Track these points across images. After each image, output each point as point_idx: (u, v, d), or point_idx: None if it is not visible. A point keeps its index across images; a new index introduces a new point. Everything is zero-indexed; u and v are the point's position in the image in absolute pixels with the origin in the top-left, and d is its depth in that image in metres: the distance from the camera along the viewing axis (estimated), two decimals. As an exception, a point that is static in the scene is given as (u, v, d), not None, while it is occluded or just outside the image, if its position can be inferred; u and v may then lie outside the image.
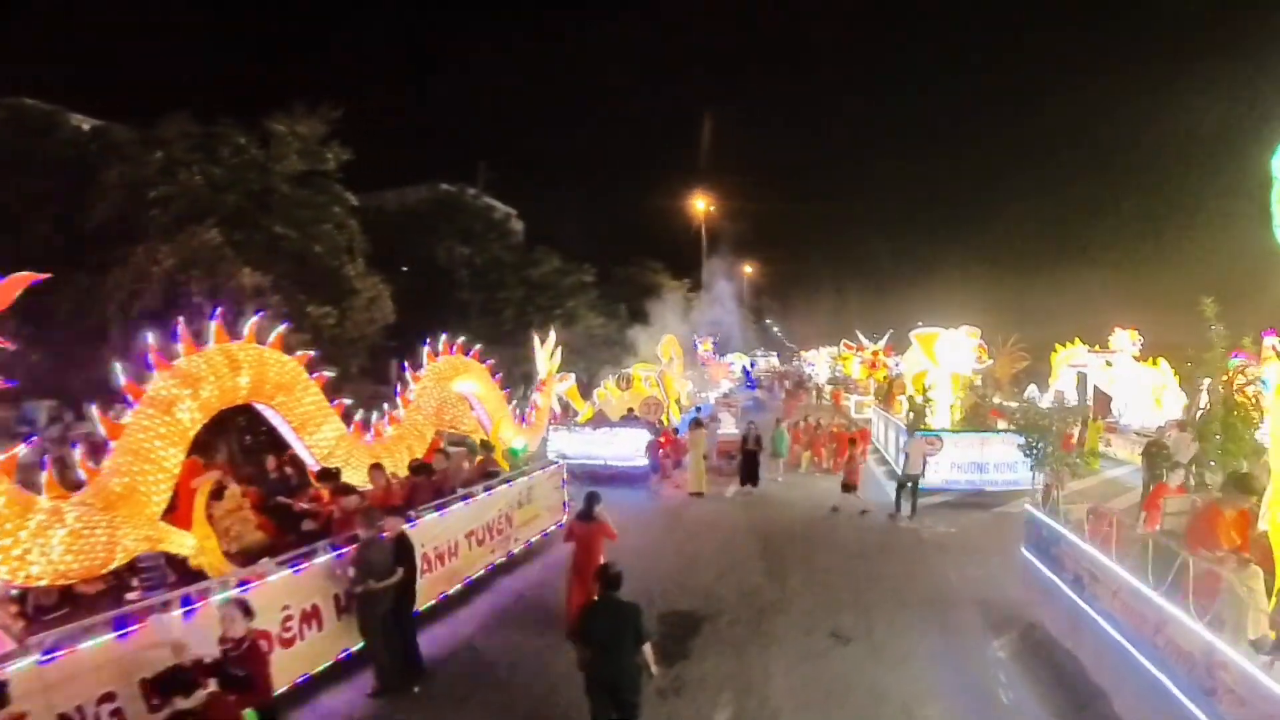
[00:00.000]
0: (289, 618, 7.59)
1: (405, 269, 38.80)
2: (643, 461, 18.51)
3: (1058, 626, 8.10)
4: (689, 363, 36.46)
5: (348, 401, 11.09)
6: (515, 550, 11.76)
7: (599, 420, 20.58)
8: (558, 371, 17.95)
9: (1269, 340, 22.01)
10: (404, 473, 10.78)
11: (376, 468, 9.45)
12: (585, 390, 24.60)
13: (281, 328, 10.27)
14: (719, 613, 9.72)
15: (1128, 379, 23.76)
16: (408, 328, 27.29)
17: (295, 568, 7.76)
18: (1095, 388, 25.32)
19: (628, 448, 18.65)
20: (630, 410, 21.39)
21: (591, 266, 44.49)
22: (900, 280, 77.86)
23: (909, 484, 15.18)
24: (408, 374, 12.31)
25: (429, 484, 9.80)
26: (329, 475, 9.93)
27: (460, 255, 38.92)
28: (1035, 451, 11.10)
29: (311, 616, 7.88)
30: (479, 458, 12.06)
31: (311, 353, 10.78)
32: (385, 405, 12.14)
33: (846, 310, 71.96)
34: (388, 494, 9.20)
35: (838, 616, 9.62)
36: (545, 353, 16.73)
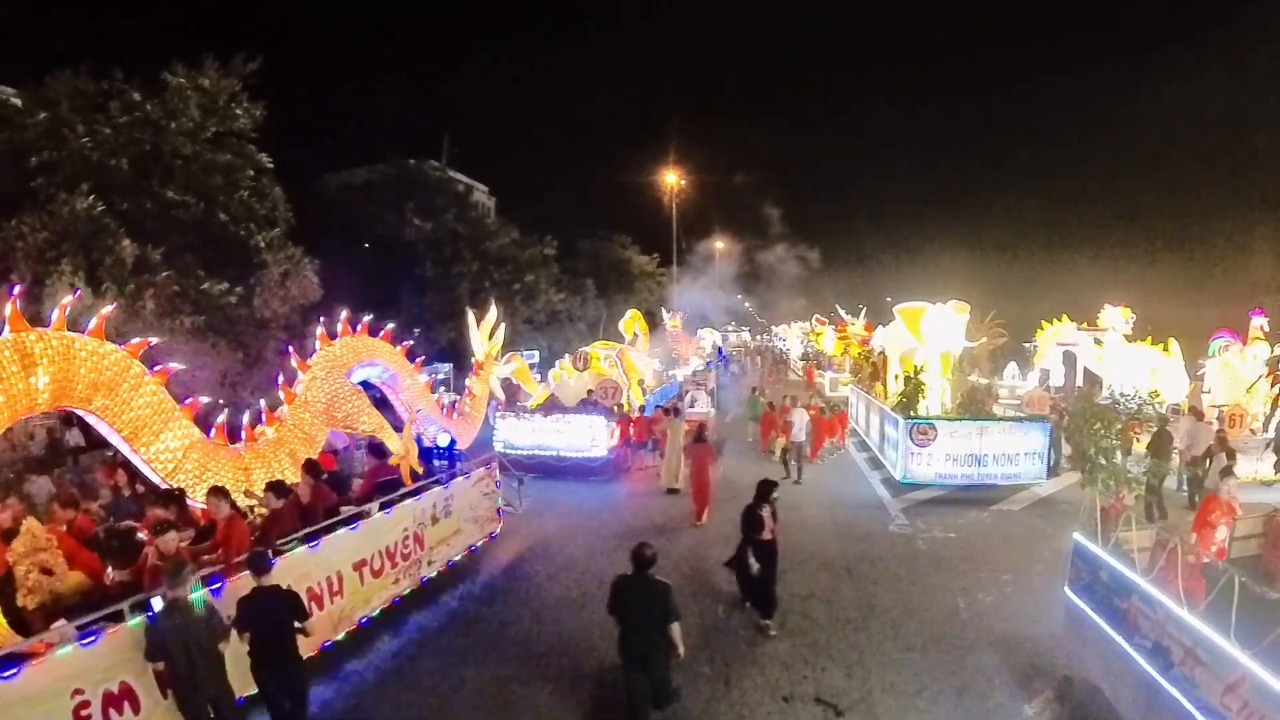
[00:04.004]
0: (84, 704, 5.38)
1: (366, 245, 36.68)
2: (600, 452, 16.38)
3: (1127, 707, 6.06)
4: (656, 339, 34.27)
5: (204, 399, 8.83)
6: (430, 575, 9.53)
7: (553, 406, 18.30)
8: (500, 353, 15.70)
9: (1257, 320, 20.56)
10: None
11: (216, 493, 7.14)
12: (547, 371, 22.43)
13: (107, 309, 7.94)
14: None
15: (1120, 359, 22.04)
16: (364, 305, 25.14)
17: (91, 634, 5.57)
18: (1085, 369, 23.63)
19: (583, 436, 16.48)
20: (590, 393, 19.18)
21: (554, 240, 42.30)
22: (871, 254, 75.97)
23: (791, 452, 16.29)
24: (293, 361, 9.98)
25: (291, 507, 7.52)
26: (170, 498, 7.72)
27: (420, 230, 36.81)
28: (1091, 461, 8.65)
29: (121, 698, 5.66)
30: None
31: (152, 339, 8.44)
32: (262, 402, 9.81)
33: (819, 284, 70.00)
34: (231, 526, 6.91)
35: (824, 671, 7.57)
36: (482, 332, 14.44)
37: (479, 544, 10.75)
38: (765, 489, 8.73)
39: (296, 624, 6.12)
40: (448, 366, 27.08)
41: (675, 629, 6.20)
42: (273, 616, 6.02)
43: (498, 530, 11.35)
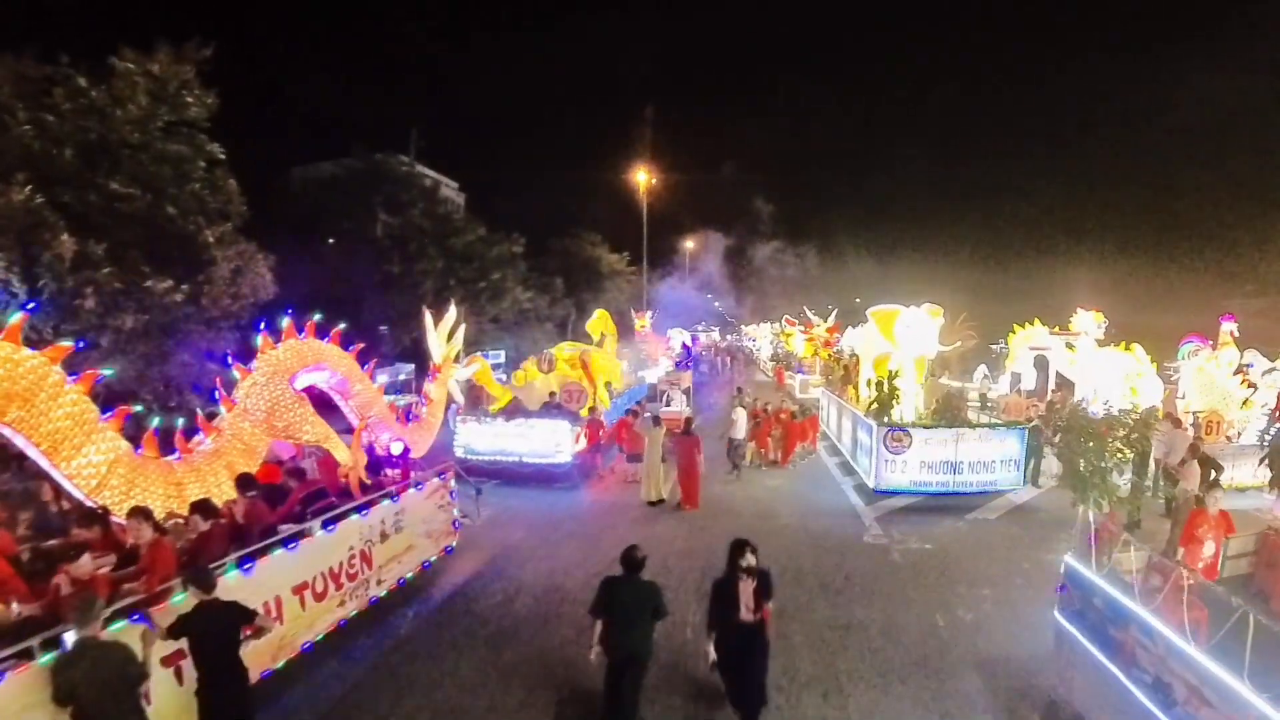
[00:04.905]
0: (-15, 754, 4.78)
1: (330, 240, 35.73)
2: (564, 458, 15.83)
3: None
4: (625, 339, 33.71)
5: (135, 408, 8.15)
6: (380, 595, 8.93)
7: (516, 409, 17.67)
8: (461, 355, 15.08)
9: (1226, 325, 20.61)
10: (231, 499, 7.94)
11: (137, 514, 6.48)
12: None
13: (18, 314, 7.26)
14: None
15: (1092, 364, 21.94)
16: (325, 304, 24.41)
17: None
18: (1058, 374, 23.54)
19: (546, 441, 15.91)
20: (552, 394, 18.53)
21: (522, 237, 41.64)
22: (844, 255, 75.93)
23: (735, 447, 16.96)
24: (233, 368, 9.31)
25: (220, 529, 6.89)
26: (93, 518, 7.05)
27: (388, 226, 35.98)
28: (1084, 479, 8.02)
29: (28, 744, 5.04)
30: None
31: (70, 343, 7.76)
32: (199, 411, 9.13)
33: (791, 285, 70.08)
34: (155, 551, 6.28)
35: (800, 698, 7.12)
36: (440, 333, 13.78)
37: (433, 559, 10.15)
38: (739, 550, 6.54)
39: (249, 628, 5.67)
40: (409, 368, 26.39)
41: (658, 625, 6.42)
42: (219, 630, 5.53)
43: (454, 544, 10.75)
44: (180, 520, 7.39)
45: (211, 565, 6.54)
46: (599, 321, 26.24)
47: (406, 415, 13.09)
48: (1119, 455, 8.56)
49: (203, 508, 6.84)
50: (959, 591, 9.86)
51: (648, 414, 16.22)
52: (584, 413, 17.71)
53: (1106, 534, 6.14)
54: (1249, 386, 17.47)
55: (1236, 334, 20.44)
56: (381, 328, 34.10)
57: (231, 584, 6.66)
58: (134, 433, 8.49)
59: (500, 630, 8.64)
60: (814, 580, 10.24)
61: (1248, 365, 19.47)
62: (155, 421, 8.53)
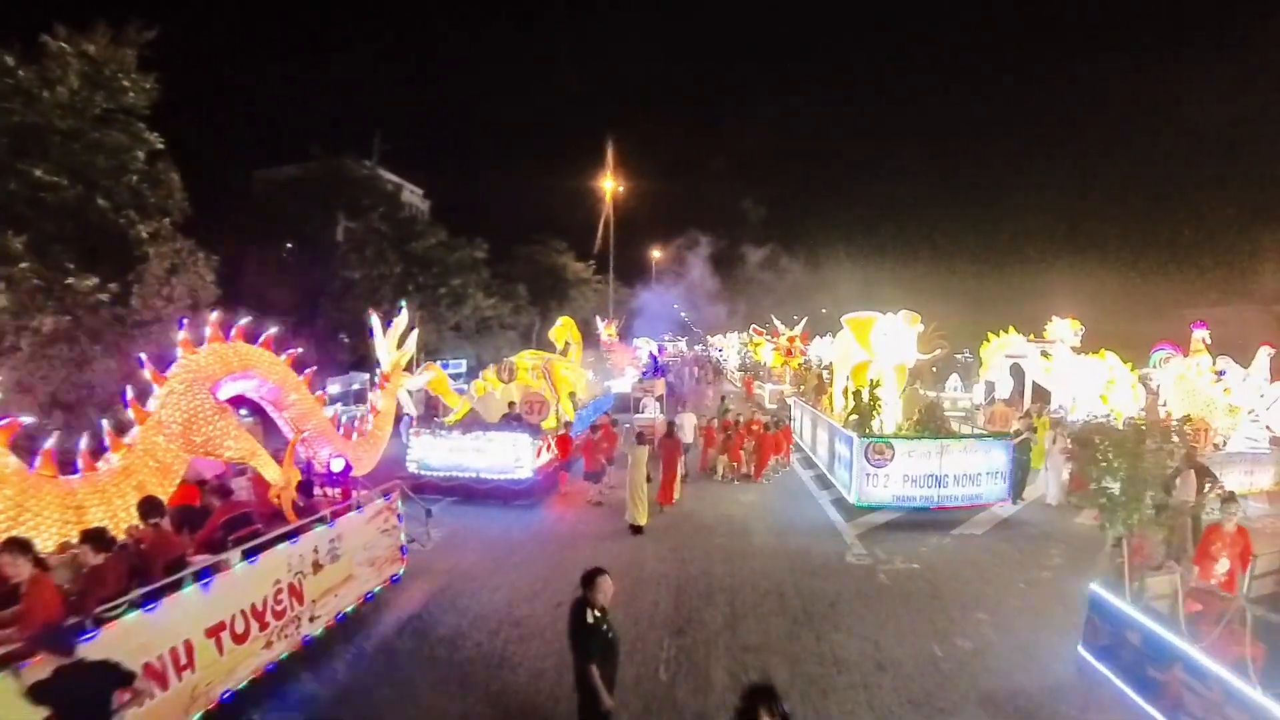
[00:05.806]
0: None
1: (289, 245, 34.40)
2: (525, 474, 14.82)
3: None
4: (590, 348, 32.76)
5: (25, 420, 7.07)
6: (315, 634, 7.90)
7: (473, 421, 16.61)
8: (413, 363, 14.05)
9: (1198, 333, 20.35)
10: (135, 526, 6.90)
11: (12, 547, 5.40)
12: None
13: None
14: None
15: (1069, 372, 21.55)
16: (281, 309, 23.28)
17: None
18: (1034, 382, 23.17)
19: (506, 456, 14.88)
20: (512, 405, 17.42)
21: (485, 242, 40.54)
22: (811, 265, 75.58)
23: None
24: (146, 370, 8.22)
25: (117, 562, 5.85)
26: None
27: (350, 230, 34.73)
28: (1115, 500, 7.17)
29: None
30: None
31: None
32: (105, 424, 8.01)
33: (758, 294, 69.74)
34: (35, 590, 5.25)
35: (791, 752, 6.27)
36: (389, 340, 12.73)
37: (377, 590, 9.10)
38: (755, 704, 3.86)
39: (125, 692, 4.67)
40: (364, 377, 25.20)
41: (591, 673, 5.31)
42: (84, 698, 4.49)
43: (401, 572, 9.69)
44: (74, 552, 6.34)
45: (106, 605, 5.55)
46: (563, 329, 25.22)
47: (350, 429, 11.96)
48: (1167, 465, 7.86)
49: (94, 537, 5.79)
50: (954, 616, 9.11)
51: (630, 427, 15.33)
52: (549, 424, 16.75)
53: (1139, 559, 5.38)
54: (1227, 393, 17.16)
55: (1208, 341, 20.17)
56: (340, 335, 32.87)
57: (130, 626, 5.67)
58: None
59: (452, 673, 7.64)
60: (797, 607, 9.40)
61: (1220, 372, 19.19)
62: (53, 436, 7.45)
